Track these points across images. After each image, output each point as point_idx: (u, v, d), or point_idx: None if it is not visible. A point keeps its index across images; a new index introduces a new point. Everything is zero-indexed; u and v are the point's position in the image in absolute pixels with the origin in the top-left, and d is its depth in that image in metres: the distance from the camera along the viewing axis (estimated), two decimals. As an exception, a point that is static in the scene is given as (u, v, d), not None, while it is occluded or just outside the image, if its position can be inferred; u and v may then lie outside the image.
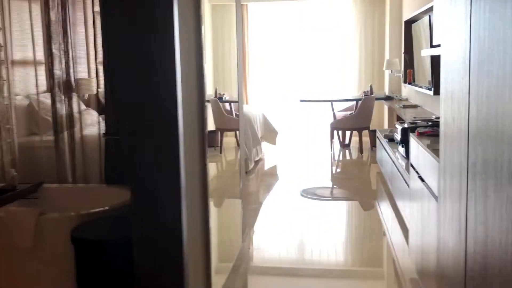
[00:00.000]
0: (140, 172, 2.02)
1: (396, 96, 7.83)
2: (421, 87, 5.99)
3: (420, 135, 3.18)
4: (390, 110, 7.84)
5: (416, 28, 6.10)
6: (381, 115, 9.01)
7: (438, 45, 3.68)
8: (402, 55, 7.10)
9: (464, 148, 1.88)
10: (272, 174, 6.74)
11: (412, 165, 3.27)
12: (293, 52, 9.34)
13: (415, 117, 5.34)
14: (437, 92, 4.90)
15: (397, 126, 4.64)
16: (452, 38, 2.07)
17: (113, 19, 2.73)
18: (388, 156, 5.22)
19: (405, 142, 4.34)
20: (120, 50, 1.99)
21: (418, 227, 3.15)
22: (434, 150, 2.65)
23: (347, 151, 7.88)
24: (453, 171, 2.08)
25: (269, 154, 7.75)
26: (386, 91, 8.55)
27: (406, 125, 4.34)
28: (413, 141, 3.22)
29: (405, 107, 6.52)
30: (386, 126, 8.42)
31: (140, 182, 2.02)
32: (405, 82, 7.06)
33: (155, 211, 2.03)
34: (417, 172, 3.09)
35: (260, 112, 7.23)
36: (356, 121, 7.40)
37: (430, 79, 5.23)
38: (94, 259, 2.18)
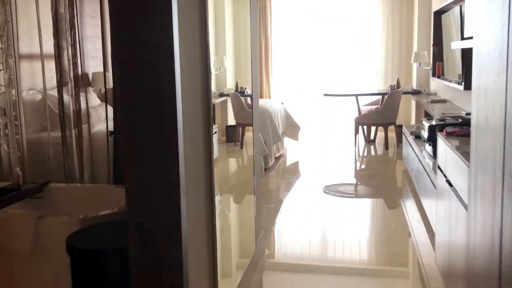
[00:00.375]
0: (134, 171, 1.85)
1: (424, 90, 7.51)
2: (450, 81, 5.69)
3: (449, 135, 2.93)
4: (418, 105, 7.53)
5: (446, 19, 5.79)
6: (408, 110, 8.70)
7: (470, 37, 3.42)
8: (431, 47, 6.79)
9: (500, 152, 1.66)
10: (294, 170, 6.54)
11: (439, 167, 3.03)
12: (318, 45, 9.08)
13: (443, 113, 5.06)
14: (467, 86, 4.62)
15: (424, 122, 4.38)
16: (486, 28, 1.83)
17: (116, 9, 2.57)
18: (415, 154, 4.96)
19: (432, 141, 4.08)
20: (117, 38, 1.82)
21: (445, 231, 2.92)
22: (464, 153, 2.42)
23: (372, 147, 7.62)
24: (486, 177, 1.85)
25: (291, 150, 7.54)
26: (414, 85, 8.23)
27: (434, 122, 4.08)
28: (441, 142, 2.98)
29: (433, 102, 6.23)
30: (413, 121, 8.10)
31: (134, 181, 1.86)
32: (433, 75, 6.76)
33: (151, 213, 1.86)
34: (444, 175, 2.85)
35: (282, 106, 7.02)
36: (381, 116, 7.12)
37: (460, 73, 4.94)
38: (89, 270, 2.03)
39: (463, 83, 4.70)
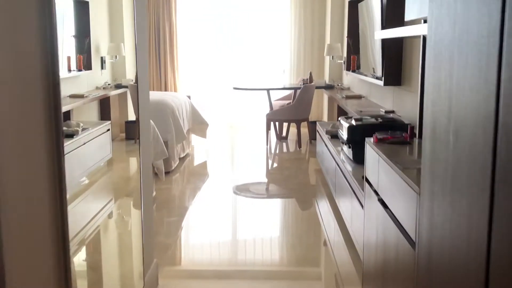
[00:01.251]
0: None
1: (338, 85, 7.19)
2: (366, 75, 5.35)
3: (380, 142, 2.45)
4: (331, 100, 7.20)
5: (363, 8, 5.42)
6: (320, 105, 8.38)
7: (401, 24, 2.98)
8: (345, 39, 6.45)
9: (484, 161, 1.16)
10: (201, 172, 5.92)
11: (367, 180, 2.56)
12: (227, 35, 8.49)
13: (361, 111, 4.68)
14: (388, 82, 4.24)
15: (342, 122, 3.94)
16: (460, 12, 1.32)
17: None
18: (330, 155, 4.54)
19: (353, 143, 3.64)
20: None
21: (371, 241, 2.47)
22: (406, 169, 1.93)
23: (284, 144, 7.18)
24: (454, 197, 1.37)
25: (199, 149, 6.92)
26: (327, 79, 7.90)
27: (353, 122, 3.64)
28: (371, 151, 2.49)
29: (348, 97, 5.88)
30: (325, 117, 7.78)
31: None
32: (348, 69, 6.42)
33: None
34: (376, 192, 2.37)
35: (188, 101, 6.36)
36: (294, 112, 6.69)
37: (379, 67, 4.56)
38: None
39: (383, 78, 4.32)
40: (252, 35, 8.50)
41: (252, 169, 6.06)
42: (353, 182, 3.29)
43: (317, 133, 5.80)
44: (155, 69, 8.21)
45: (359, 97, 5.88)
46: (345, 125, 3.79)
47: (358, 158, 3.50)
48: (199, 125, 6.53)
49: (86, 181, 2.96)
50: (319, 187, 5.13)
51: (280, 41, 8.40)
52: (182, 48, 8.45)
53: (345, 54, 7.14)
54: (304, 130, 7.33)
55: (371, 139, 2.53)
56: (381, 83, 4.40)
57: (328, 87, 7.21)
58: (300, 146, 6.79)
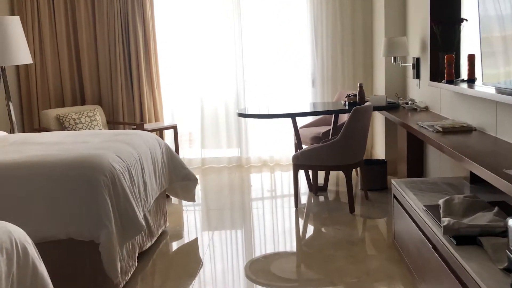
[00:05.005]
0: None
1: (409, 103, 4.48)
2: (495, 88, 2.67)
3: None
4: (401, 132, 4.53)
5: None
6: (371, 134, 5.70)
7: None
8: (428, 26, 3.75)
9: None
10: (190, 259, 3.26)
11: None
12: (227, 41, 5.85)
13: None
14: None
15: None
16: None
17: None
18: (426, 240, 1.87)
19: None
20: None
21: None
22: None
23: (322, 200, 4.50)
24: None
25: (187, 214, 4.28)
26: (378, 91, 5.21)
27: None
28: None
29: (447, 131, 3.17)
30: (380, 150, 5.08)
31: None
32: (434, 78, 3.71)
33: None
34: None
35: (161, 144, 3.72)
36: (340, 152, 4.00)
37: None
38: None
39: None
40: (263, 32, 5.84)
41: (274, 238, 3.43)
42: None
43: (394, 200, 3.12)
44: (124, 90, 5.61)
45: (467, 130, 3.18)
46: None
47: None
48: (182, 182, 3.88)
49: None
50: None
51: (303, 37, 5.74)
52: (164, 57, 5.84)
53: (414, 54, 4.44)
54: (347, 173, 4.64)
55: None
56: None
57: (391, 107, 4.51)
58: (353, 210, 4.09)
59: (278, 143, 5.94)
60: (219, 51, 5.84)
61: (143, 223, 2.76)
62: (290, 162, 5.88)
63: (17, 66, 5.57)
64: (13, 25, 4.57)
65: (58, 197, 2.58)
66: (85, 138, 3.33)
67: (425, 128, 3.35)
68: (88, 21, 5.55)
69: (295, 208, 4.26)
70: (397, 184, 3.07)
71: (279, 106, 4.93)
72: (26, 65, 5.54)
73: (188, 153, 6.06)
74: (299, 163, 4.14)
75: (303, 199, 4.56)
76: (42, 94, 5.60)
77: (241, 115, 4.49)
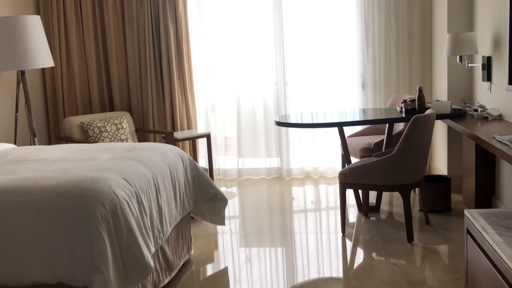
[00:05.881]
0: None
1: (478, 110, 3.78)
2: None
3: None
4: (468, 143, 3.85)
5: None
6: (437, 150, 5.01)
7: None
8: (508, 19, 3.05)
9: None
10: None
11: None
12: (261, 38, 5.30)
13: None
14: None
15: None
16: None
17: None
18: None
19: None
20: None
21: None
22: None
23: (372, 220, 3.88)
24: None
25: (208, 240, 3.76)
26: (439, 95, 4.52)
27: None
28: None
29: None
30: (441, 166, 4.39)
31: None
32: (514, 81, 3.02)
33: None
34: None
35: (186, 159, 3.20)
36: (397, 169, 3.37)
37: None
38: None
39: None
40: (306, 29, 5.24)
41: (319, 265, 2.86)
42: None
43: (467, 236, 2.48)
44: (155, 95, 5.15)
45: None
46: None
47: None
48: (210, 203, 3.35)
49: None
50: None
51: (351, 33, 5.11)
52: (197, 59, 5.35)
53: (484, 53, 3.74)
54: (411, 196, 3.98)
55: None
56: None
57: (456, 115, 3.83)
58: (411, 239, 3.44)
59: (323, 153, 5.33)
60: (257, 50, 5.29)
61: (152, 264, 2.24)
62: (337, 174, 5.27)
63: (43, 70, 5.21)
64: (34, 25, 4.18)
65: (46, 233, 2.09)
66: (94, 154, 2.84)
67: (506, 144, 2.68)
68: (117, 21, 5.12)
69: (342, 234, 3.65)
70: (472, 217, 2.42)
71: (323, 112, 4.33)
72: (52, 69, 5.17)
73: (223, 163, 5.52)
74: (347, 181, 3.53)
75: (351, 217, 3.95)
76: (68, 99, 5.21)
77: (280, 123, 3.93)
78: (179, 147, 5.14)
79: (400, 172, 3.37)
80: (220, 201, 3.35)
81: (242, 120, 5.40)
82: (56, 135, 5.24)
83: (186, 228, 3.26)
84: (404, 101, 3.98)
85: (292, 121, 3.93)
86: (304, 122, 3.85)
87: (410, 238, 3.42)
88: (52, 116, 5.26)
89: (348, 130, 4.82)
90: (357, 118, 3.91)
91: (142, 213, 2.41)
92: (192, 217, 3.66)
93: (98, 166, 2.50)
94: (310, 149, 5.38)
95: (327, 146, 5.34)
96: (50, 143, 5.29)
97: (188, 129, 5.23)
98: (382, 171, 3.39)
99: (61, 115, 5.22)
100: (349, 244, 3.47)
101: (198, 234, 3.80)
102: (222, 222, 3.43)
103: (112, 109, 5.29)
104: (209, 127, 5.41)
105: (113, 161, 2.65)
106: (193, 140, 5.07)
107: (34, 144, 4.57)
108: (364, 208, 4.01)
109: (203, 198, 3.30)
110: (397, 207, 4.17)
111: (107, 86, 5.25)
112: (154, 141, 5.24)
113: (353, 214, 4.08)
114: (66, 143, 4.95)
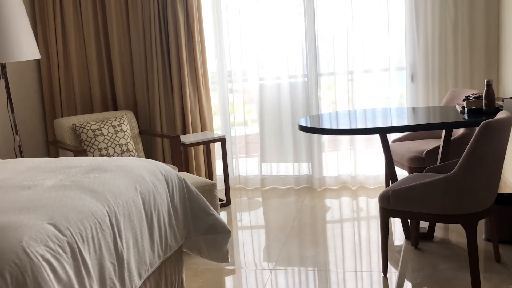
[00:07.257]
0: None
1: None
2: None
3: None
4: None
5: None
6: None
7: None
8: None
9: None
10: None
11: None
12: (288, 18, 4.44)
13: None
14: None
15: None
16: None
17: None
18: None
19: None
20: None
21: None
22: None
23: (424, 253, 2.99)
24: None
25: (214, 278, 2.98)
26: (508, 92, 3.57)
27: None
28: None
29: None
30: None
31: None
32: None
33: None
34: None
35: (173, 176, 2.43)
36: (457, 193, 2.47)
37: None
38: None
39: None
40: (341, 12, 4.35)
41: None
42: None
43: None
44: (162, 93, 4.39)
45: None
46: None
47: None
48: (207, 236, 2.55)
49: None
50: None
51: (398, 16, 4.19)
52: (213, 51, 4.56)
53: None
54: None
55: None
56: None
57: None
58: (478, 286, 2.53)
59: (363, 158, 4.45)
60: (285, 37, 4.44)
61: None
62: (379, 185, 4.39)
63: (38, 65, 4.55)
64: (13, 10, 3.51)
65: None
66: (40, 177, 2.10)
67: None
68: (120, 6, 4.38)
69: (383, 275, 2.79)
70: None
71: (362, 111, 3.47)
72: (48, 64, 4.50)
73: (244, 169, 4.71)
74: (390, 207, 2.66)
75: (397, 246, 3.09)
76: (67, 98, 4.53)
77: (303, 128, 3.09)
78: (189, 153, 4.37)
79: (462, 198, 2.47)
80: (220, 233, 2.56)
81: (265, 118, 4.58)
82: (48, 139, 4.58)
83: (174, 271, 2.49)
84: (467, 98, 3.07)
85: (326, 121, 3.11)
86: (340, 124, 3.03)
87: (475, 285, 2.52)
88: (50, 117, 4.60)
89: (394, 133, 3.93)
90: (405, 121, 3.04)
91: (82, 273, 1.64)
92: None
93: (25, 201, 1.74)
94: (347, 153, 4.51)
95: (368, 150, 4.46)
96: (48, 149, 4.63)
97: (202, 130, 4.45)
98: (438, 194, 2.51)
99: (59, 115, 4.55)
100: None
101: (198, 270, 3.01)
102: (224, 259, 2.64)
103: (115, 107, 4.58)
104: (227, 127, 4.62)
105: (54, 191, 1.89)
106: (207, 144, 4.30)
107: (20, 150, 3.91)
108: (413, 236, 3.12)
109: (198, 230, 2.52)
110: (456, 235, 3.26)
111: (109, 81, 4.53)
112: (162, 146, 4.48)
113: (398, 241, 3.21)
114: (58, 149, 4.28)
